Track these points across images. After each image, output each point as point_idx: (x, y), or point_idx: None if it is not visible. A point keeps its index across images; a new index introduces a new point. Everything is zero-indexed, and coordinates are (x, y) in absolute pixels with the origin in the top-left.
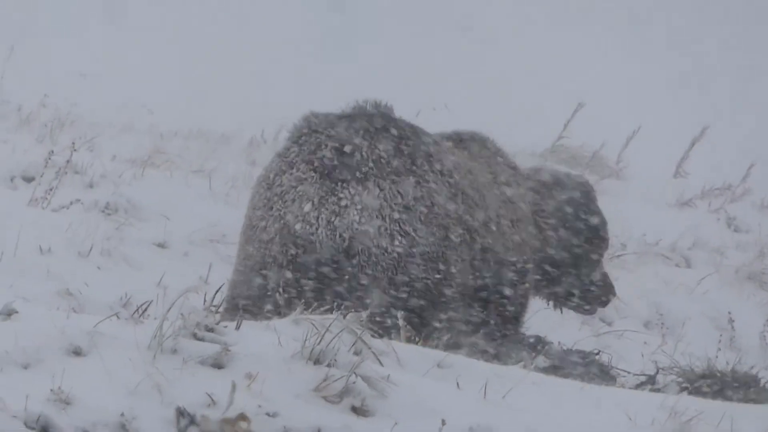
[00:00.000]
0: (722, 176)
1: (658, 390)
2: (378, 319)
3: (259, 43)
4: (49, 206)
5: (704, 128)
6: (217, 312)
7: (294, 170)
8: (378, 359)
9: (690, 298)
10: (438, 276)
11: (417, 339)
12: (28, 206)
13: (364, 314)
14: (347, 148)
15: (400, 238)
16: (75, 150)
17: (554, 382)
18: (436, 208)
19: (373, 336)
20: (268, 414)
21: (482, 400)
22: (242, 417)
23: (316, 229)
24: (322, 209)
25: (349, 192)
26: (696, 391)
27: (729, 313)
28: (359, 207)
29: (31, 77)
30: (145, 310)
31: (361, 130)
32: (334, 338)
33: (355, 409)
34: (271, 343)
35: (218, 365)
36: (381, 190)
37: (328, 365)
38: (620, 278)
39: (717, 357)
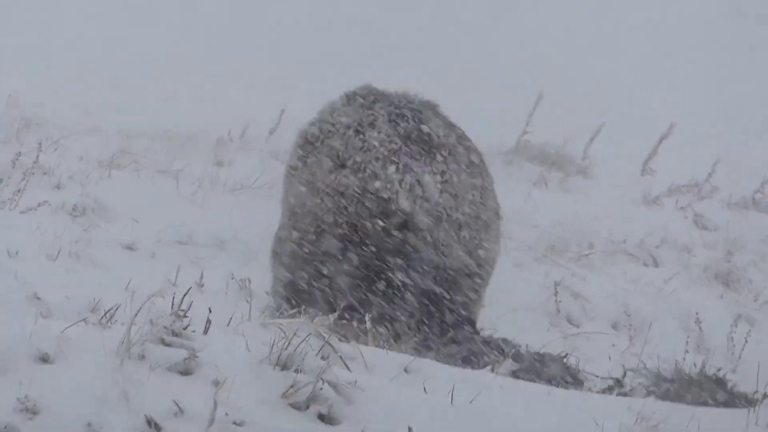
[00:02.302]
0: (689, 174)
1: (625, 394)
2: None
3: (224, 42)
4: (16, 208)
5: (671, 125)
6: (184, 315)
7: (376, 131)
8: (345, 364)
9: (658, 297)
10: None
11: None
12: None
13: (332, 317)
14: (428, 125)
15: (463, 232)
16: (42, 151)
17: (522, 387)
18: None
19: (340, 340)
20: (235, 423)
21: (449, 406)
22: None
23: (396, 192)
24: (406, 175)
25: (433, 169)
26: (663, 395)
27: (696, 314)
28: (440, 187)
29: None
30: (113, 314)
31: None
32: (301, 342)
33: (321, 417)
34: (239, 347)
35: (186, 372)
36: (458, 177)
37: (296, 371)
38: (588, 278)
39: (684, 359)
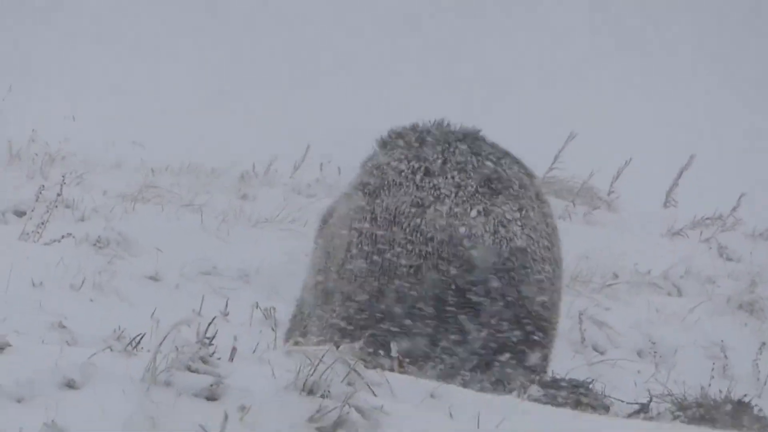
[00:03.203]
0: (711, 205)
1: (651, 419)
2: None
3: (248, 77)
4: (40, 240)
5: (691, 156)
6: (210, 343)
7: (447, 176)
8: (371, 390)
9: (682, 327)
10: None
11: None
12: (19, 240)
13: (357, 345)
14: (499, 161)
15: (545, 265)
16: (65, 184)
17: (547, 412)
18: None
19: (366, 367)
20: None
21: (475, 430)
22: None
23: (481, 235)
24: (489, 217)
25: (511, 207)
26: (689, 420)
27: (721, 341)
28: (520, 224)
29: (25, 116)
30: (138, 342)
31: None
32: (327, 369)
33: None
34: (265, 374)
35: (212, 397)
36: (533, 211)
37: (322, 396)
38: (612, 308)
39: (710, 385)
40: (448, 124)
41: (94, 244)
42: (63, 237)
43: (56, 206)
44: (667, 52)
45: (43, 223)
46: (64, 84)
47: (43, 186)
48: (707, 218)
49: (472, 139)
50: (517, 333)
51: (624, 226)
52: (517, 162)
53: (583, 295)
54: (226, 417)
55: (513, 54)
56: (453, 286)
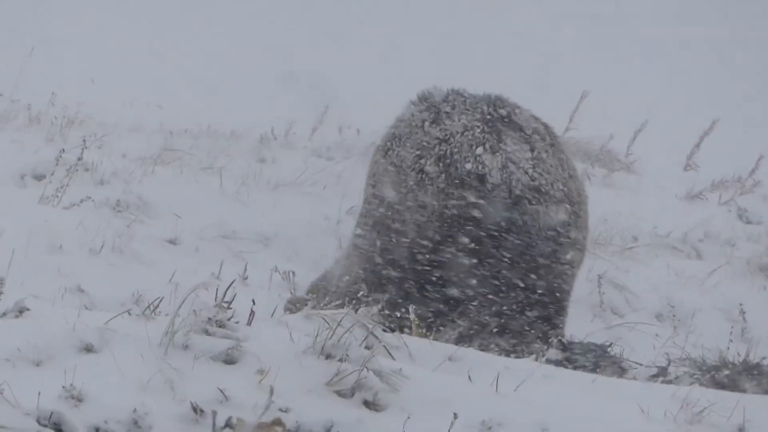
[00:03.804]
0: (732, 169)
1: (670, 382)
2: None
3: (268, 42)
4: (59, 204)
5: (714, 121)
6: (228, 307)
7: (457, 119)
8: (389, 353)
9: (701, 290)
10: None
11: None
12: (38, 204)
13: (375, 308)
14: (513, 110)
15: (561, 207)
16: (86, 148)
17: (566, 375)
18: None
19: (384, 330)
20: (281, 409)
21: (494, 394)
22: (278, 422)
23: (489, 171)
24: (497, 154)
25: (522, 147)
26: (708, 383)
27: (740, 304)
28: (531, 163)
29: (44, 79)
30: (157, 306)
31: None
32: (345, 333)
33: (367, 404)
34: (283, 338)
35: (230, 361)
36: (546, 154)
37: (340, 360)
38: (631, 270)
39: (728, 348)
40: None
41: (114, 208)
42: (82, 201)
43: (76, 170)
44: (684, 17)
45: (62, 187)
46: (83, 47)
47: (63, 150)
48: (726, 181)
49: (489, 95)
50: (531, 288)
51: (643, 189)
52: (535, 117)
53: (602, 258)
54: (272, 390)
55: (527, 10)
56: (463, 230)
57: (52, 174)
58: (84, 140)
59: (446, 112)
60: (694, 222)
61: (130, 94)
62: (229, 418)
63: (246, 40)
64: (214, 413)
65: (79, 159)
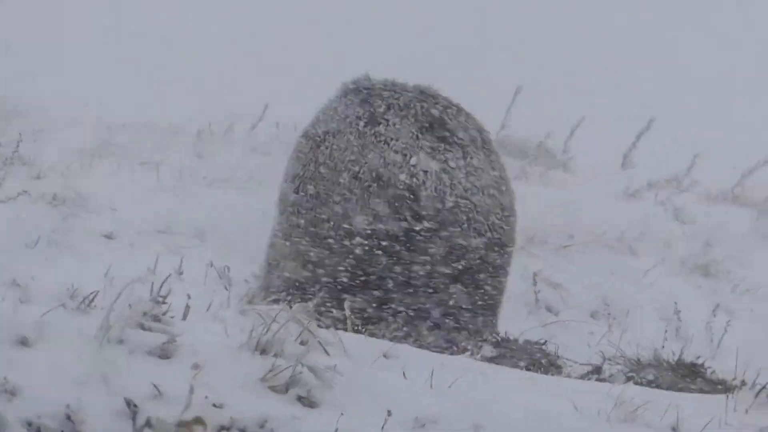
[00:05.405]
0: (670, 168)
1: (604, 380)
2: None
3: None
4: None
5: (651, 120)
6: (163, 302)
7: (389, 123)
8: (324, 349)
9: (637, 289)
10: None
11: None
12: None
13: (311, 304)
14: (446, 110)
15: (492, 218)
16: (21, 141)
17: (501, 372)
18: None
19: (319, 326)
20: (214, 405)
21: (429, 390)
22: (198, 420)
23: (423, 182)
24: (431, 163)
25: (455, 154)
26: (642, 381)
27: (675, 303)
28: (465, 171)
29: None
30: (92, 300)
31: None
32: (280, 328)
33: (301, 399)
34: (218, 333)
35: (165, 355)
36: (478, 159)
37: (275, 355)
38: (567, 269)
39: (663, 347)
40: (405, 83)
41: (50, 202)
42: (19, 194)
43: (12, 163)
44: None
45: None
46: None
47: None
48: (663, 180)
49: (421, 89)
50: (463, 289)
51: (580, 188)
52: (466, 114)
53: (537, 256)
54: (192, 389)
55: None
56: (397, 237)
57: None
58: (20, 134)
59: (381, 113)
60: (630, 220)
61: (68, 87)
62: (149, 418)
63: (188, 38)
64: (134, 412)
65: (14, 152)
